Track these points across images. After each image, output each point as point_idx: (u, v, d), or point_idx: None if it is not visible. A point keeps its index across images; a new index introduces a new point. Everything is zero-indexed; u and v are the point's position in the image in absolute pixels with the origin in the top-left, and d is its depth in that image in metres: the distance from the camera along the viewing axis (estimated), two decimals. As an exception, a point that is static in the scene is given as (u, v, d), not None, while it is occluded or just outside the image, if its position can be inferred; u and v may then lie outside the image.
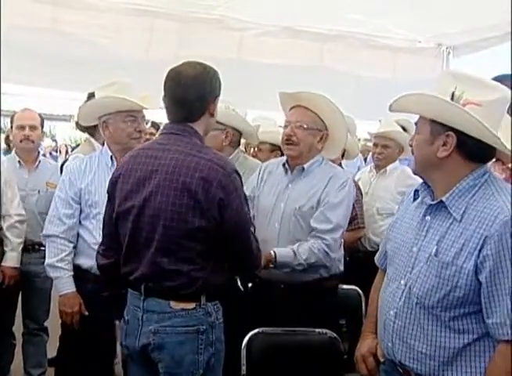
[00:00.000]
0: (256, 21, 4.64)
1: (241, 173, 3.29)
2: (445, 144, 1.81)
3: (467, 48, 5.18)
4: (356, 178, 4.12)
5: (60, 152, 15.05)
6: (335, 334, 2.70)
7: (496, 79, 2.06)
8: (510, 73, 2.26)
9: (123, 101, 2.84)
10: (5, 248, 3.49)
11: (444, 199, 1.84)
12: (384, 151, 4.12)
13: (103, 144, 3.09)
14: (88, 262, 2.86)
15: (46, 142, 13.50)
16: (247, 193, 3.00)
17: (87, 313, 2.88)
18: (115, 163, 2.92)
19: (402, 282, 1.91)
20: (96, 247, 2.79)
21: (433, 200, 1.90)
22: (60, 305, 2.90)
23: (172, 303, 2.18)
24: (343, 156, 3.93)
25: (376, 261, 2.24)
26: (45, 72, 4.30)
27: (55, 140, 17.33)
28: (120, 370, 3.28)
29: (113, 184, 2.34)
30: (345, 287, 3.19)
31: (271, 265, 2.70)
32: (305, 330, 2.72)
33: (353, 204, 3.04)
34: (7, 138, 4.29)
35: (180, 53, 4.25)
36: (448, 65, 5.21)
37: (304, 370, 2.62)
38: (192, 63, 2.28)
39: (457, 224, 1.80)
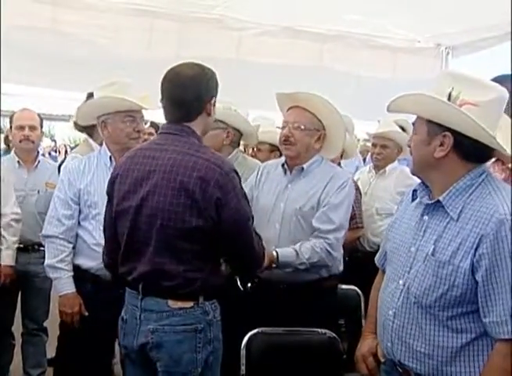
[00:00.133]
0: (255, 21, 4.65)
1: (240, 173, 3.29)
2: (441, 144, 1.82)
3: (466, 48, 5.19)
4: (355, 179, 4.12)
5: (59, 152, 15.05)
6: (334, 334, 2.70)
7: (496, 79, 2.06)
8: (509, 73, 2.26)
9: (122, 101, 2.84)
10: (1, 247, 3.49)
11: (441, 198, 1.85)
12: (382, 151, 4.12)
13: (101, 144, 3.09)
14: (88, 262, 2.87)
15: (45, 143, 13.49)
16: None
17: (87, 314, 2.88)
18: (114, 163, 2.91)
19: (401, 282, 1.92)
20: (96, 247, 2.82)
21: (431, 200, 1.90)
22: (60, 305, 2.90)
23: (170, 302, 2.19)
24: (341, 156, 3.94)
25: (376, 261, 2.24)
26: (45, 72, 4.31)
27: (54, 140, 17.34)
28: (119, 370, 3.28)
29: (111, 184, 2.35)
30: (344, 287, 3.19)
31: (273, 265, 2.70)
32: (304, 330, 2.72)
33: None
34: (6, 138, 4.29)
35: (180, 53, 4.26)
36: (448, 65, 5.21)
37: (304, 370, 2.63)
38: (189, 64, 2.28)
39: (454, 223, 1.81)
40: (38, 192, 3.77)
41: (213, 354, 2.24)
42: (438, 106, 1.79)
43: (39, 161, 3.88)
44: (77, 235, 2.92)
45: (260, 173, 3.05)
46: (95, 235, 2.86)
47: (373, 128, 4.33)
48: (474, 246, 1.73)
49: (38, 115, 3.93)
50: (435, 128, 1.82)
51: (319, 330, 2.70)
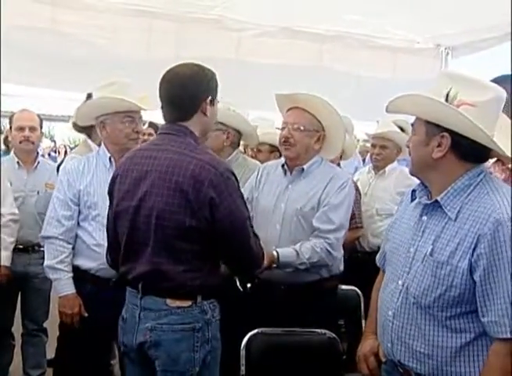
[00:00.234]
0: (254, 21, 4.65)
1: (241, 174, 3.34)
2: (439, 145, 1.82)
3: (466, 48, 5.19)
4: (354, 179, 4.13)
5: (59, 153, 15.05)
6: (334, 335, 2.70)
7: (496, 80, 2.07)
8: (509, 73, 2.26)
9: (121, 101, 2.84)
10: (-2, 248, 3.49)
11: (439, 199, 1.85)
12: (382, 152, 4.13)
13: (100, 145, 3.08)
14: (87, 263, 2.87)
15: (45, 143, 13.50)
16: (245, 195, 3.01)
17: (86, 314, 2.88)
18: (114, 164, 2.92)
19: (400, 282, 1.92)
20: (96, 248, 2.84)
21: (429, 200, 1.90)
22: (60, 306, 2.89)
23: (168, 301, 2.20)
24: (340, 156, 3.94)
25: (377, 261, 2.24)
26: (44, 72, 4.30)
27: (54, 141, 17.35)
28: (119, 371, 3.28)
29: (112, 185, 2.38)
30: (344, 287, 3.20)
31: (274, 265, 2.70)
32: (304, 331, 2.72)
33: (351, 204, 3.04)
34: (6, 139, 4.29)
35: (178, 54, 4.26)
36: (447, 65, 5.21)
37: (303, 370, 2.63)
38: (188, 64, 2.29)
39: (452, 223, 1.81)
40: (38, 193, 3.77)
41: (211, 353, 2.24)
42: (435, 107, 1.80)
43: (39, 162, 3.88)
44: (76, 236, 2.91)
45: (260, 174, 3.05)
46: (95, 236, 2.86)
47: (373, 129, 4.34)
48: (472, 246, 1.74)
49: (38, 116, 3.93)
50: (433, 128, 1.83)
51: (319, 330, 2.70)
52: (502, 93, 1.81)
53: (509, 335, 1.68)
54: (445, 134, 1.80)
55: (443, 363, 1.81)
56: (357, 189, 3.83)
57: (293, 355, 2.65)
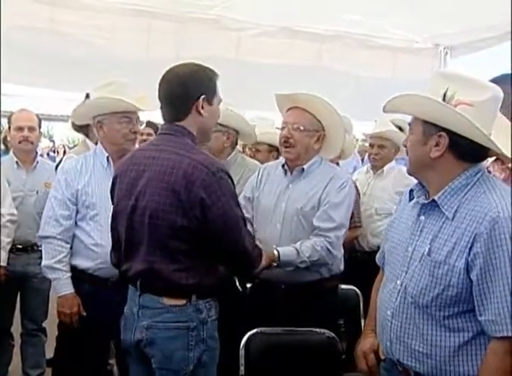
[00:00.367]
0: (253, 21, 4.64)
1: (240, 173, 3.35)
2: (437, 144, 1.82)
3: (465, 48, 5.19)
4: (353, 179, 4.13)
5: (58, 152, 15.04)
6: (333, 334, 2.70)
7: (496, 79, 2.07)
8: (509, 73, 2.25)
9: (119, 102, 2.83)
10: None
11: (436, 198, 1.85)
12: (380, 152, 4.13)
13: (96, 144, 3.09)
14: (85, 262, 2.87)
15: (44, 143, 13.49)
16: (246, 194, 3.01)
17: (85, 314, 2.88)
18: (111, 163, 2.92)
19: (398, 282, 1.93)
20: (94, 248, 2.84)
21: (427, 200, 1.91)
22: (59, 306, 2.89)
23: (164, 299, 2.21)
24: (339, 156, 3.94)
25: (377, 260, 2.25)
26: (43, 72, 4.30)
27: (53, 141, 17.33)
28: (117, 370, 3.27)
29: (112, 185, 2.40)
30: (343, 287, 3.20)
31: (274, 264, 2.70)
32: (303, 330, 2.72)
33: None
34: (5, 138, 4.29)
35: (178, 54, 4.26)
36: (446, 65, 5.21)
37: (303, 369, 2.63)
38: (188, 64, 2.30)
39: (449, 223, 1.82)
40: (37, 192, 3.77)
41: (207, 353, 2.24)
42: (433, 107, 1.80)
43: (38, 162, 3.88)
44: (73, 235, 2.91)
45: (260, 174, 3.05)
46: (93, 235, 2.86)
47: (370, 129, 4.34)
48: (469, 245, 1.74)
49: (37, 116, 3.93)
50: (431, 128, 1.83)
51: (318, 330, 2.71)
52: (499, 92, 1.81)
53: (506, 334, 1.69)
54: (443, 133, 1.81)
55: (441, 362, 1.81)
56: (356, 188, 3.84)
57: (293, 354, 2.65)
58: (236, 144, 3.57)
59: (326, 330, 2.70)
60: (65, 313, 2.87)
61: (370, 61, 5.04)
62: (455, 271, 1.76)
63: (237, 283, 2.94)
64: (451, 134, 1.80)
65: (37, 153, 3.98)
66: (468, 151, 1.83)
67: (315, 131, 2.87)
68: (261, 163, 3.68)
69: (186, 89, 2.22)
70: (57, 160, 9.73)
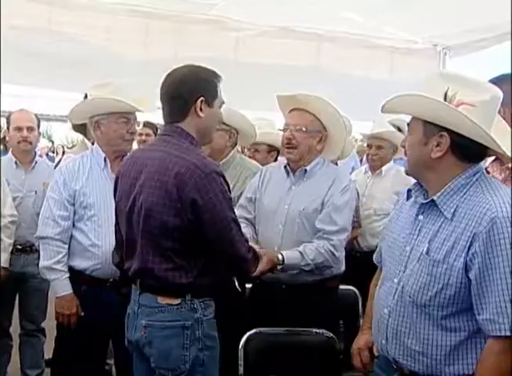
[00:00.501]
0: (252, 21, 4.65)
1: (239, 173, 3.35)
2: (438, 145, 1.83)
3: (464, 48, 5.20)
4: (352, 179, 4.13)
5: (57, 153, 15.03)
6: (332, 334, 2.70)
7: (496, 79, 2.08)
8: (508, 72, 2.26)
9: (117, 102, 2.83)
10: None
11: (435, 198, 1.86)
12: (378, 152, 4.14)
13: (93, 143, 3.08)
14: (83, 263, 2.87)
15: (42, 143, 13.48)
16: (248, 195, 3.02)
17: (83, 314, 2.88)
18: (108, 164, 2.93)
19: (396, 280, 1.93)
20: (92, 248, 2.84)
21: (425, 200, 1.91)
22: (57, 306, 2.89)
23: (159, 298, 2.23)
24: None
25: (374, 260, 2.25)
26: (41, 72, 4.30)
27: (52, 141, 17.32)
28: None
29: (115, 185, 2.43)
30: (342, 287, 3.19)
31: (278, 267, 2.70)
32: (302, 330, 2.73)
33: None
34: (3, 138, 4.28)
35: (176, 54, 4.26)
36: (445, 65, 5.22)
37: (302, 369, 2.63)
38: (189, 65, 2.30)
39: (448, 223, 1.82)
40: (36, 192, 3.76)
41: (203, 351, 2.24)
42: (435, 107, 1.80)
43: (36, 162, 3.87)
44: (71, 236, 2.91)
45: (263, 175, 3.06)
46: (90, 236, 2.86)
47: (368, 129, 4.34)
48: (468, 244, 1.75)
49: (35, 116, 3.92)
50: (432, 128, 1.83)
51: (317, 330, 2.71)
52: (499, 93, 1.82)
53: (504, 333, 1.69)
54: (445, 134, 1.81)
55: (436, 361, 1.82)
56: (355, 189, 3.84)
57: (292, 354, 2.65)
58: (236, 144, 3.58)
59: (324, 330, 2.71)
60: (63, 314, 2.87)
61: (369, 61, 5.05)
62: (453, 270, 1.77)
63: (236, 284, 2.94)
64: (452, 134, 1.80)
65: (35, 153, 3.97)
66: (469, 151, 1.83)
67: (317, 132, 2.86)
68: (260, 163, 3.68)
69: (184, 91, 2.22)
70: (56, 160, 9.72)
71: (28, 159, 3.84)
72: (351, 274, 3.20)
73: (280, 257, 2.69)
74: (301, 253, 2.73)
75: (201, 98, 2.22)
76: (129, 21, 4.37)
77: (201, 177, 2.13)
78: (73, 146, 8.15)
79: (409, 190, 2.00)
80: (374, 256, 2.26)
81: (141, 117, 3.68)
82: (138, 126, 3.84)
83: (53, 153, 15.40)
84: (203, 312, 2.24)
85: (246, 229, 2.88)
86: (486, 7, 3.82)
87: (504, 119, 1.95)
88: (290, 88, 2.89)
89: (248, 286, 2.95)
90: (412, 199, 1.99)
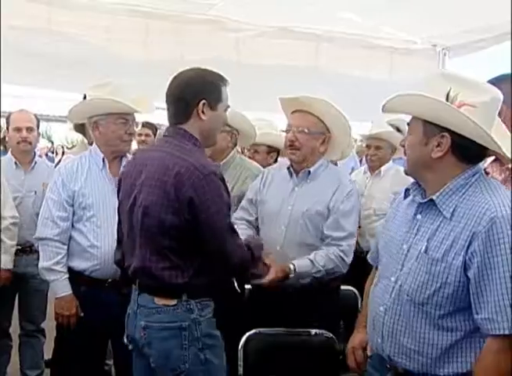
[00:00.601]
0: (251, 22, 4.64)
1: (238, 173, 3.36)
2: (439, 145, 1.83)
3: (463, 49, 5.19)
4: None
5: (57, 153, 15.03)
6: (331, 335, 2.71)
7: (496, 79, 2.09)
8: (508, 72, 2.26)
9: (115, 103, 2.83)
10: (-1, 251, 3.49)
11: (434, 197, 1.87)
12: (377, 152, 4.15)
13: (91, 144, 3.08)
14: (82, 264, 2.87)
15: (42, 144, 13.47)
16: (249, 197, 3.02)
17: (82, 314, 2.88)
18: (107, 164, 2.93)
19: (392, 279, 1.94)
20: (91, 249, 2.85)
21: (424, 199, 1.92)
22: (57, 307, 2.90)
23: (156, 299, 2.25)
24: (337, 156, 3.94)
25: (368, 258, 2.27)
26: (41, 73, 4.29)
27: (51, 141, 17.32)
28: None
29: (118, 185, 2.46)
30: (342, 287, 3.20)
31: (291, 276, 2.71)
32: (302, 331, 2.73)
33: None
34: (3, 139, 4.28)
35: (176, 54, 4.26)
36: (444, 66, 5.21)
37: (301, 370, 2.63)
38: (194, 69, 2.32)
39: (447, 222, 1.83)
40: (35, 193, 3.77)
41: (204, 351, 2.25)
42: (437, 108, 1.80)
43: (36, 162, 3.88)
44: (69, 237, 2.91)
45: (265, 177, 3.07)
46: (89, 237, 2.86)
47: (366, 130, 4.34)
48: (467, 244, 1.76)
49: (35, 116, 3.93)
50: (433, 128, 1.84)
51: (317, 330, 2.71)
52: (500, 95, 1.83)
53: (502, 332, 1.70)
54: (446, 134, 1.82)
55: (432, 359, 1.84)
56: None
57: (291, 355, 2.65)
58: (236, 144, 3.58)
59: (324, 331, 2.71)
60: (63, 315, 2.87)
61: (367, 61, 5.04)
62: (452, 268, 1.78)
63: (235, 285, 2.94)
64: (453, 135, 1.81)
65: (35, 153, 3.97)
66: (469, 152, 1.84)
67: (320, 134, 2.86)
68: (260, 164, 3.69)
69: (187, 93, 2.24)
70: (56, 160, 9.72)
71: (28, 159, 3.85)
72: (350, 274, 3.19)
73: (292, 266, 2.71)
74: (311, 261, 2.74)
75: (203, 101, 2.23)
76: (129, 21, 4.36)
77: (199, 178, 2.14)
78: (73, 146, 8.15)
79: (406, 189, 2.01)
80: (369, 255, 2.27)
81: (140, 118, 3.68)
82: (137, 127, 3.83)
83: (53, 153, 15.40)
84: (199, 312, 2.25)
85: (247, 231, 2.89)
86: (485, 7, 3.82)
87: (504, 118, 1.96)
88: (289, 88, 2.89)
89: (248, 287, 2.95)
90: (409, 198, 2.00)
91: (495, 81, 2.04)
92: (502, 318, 1.70)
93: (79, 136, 4.16)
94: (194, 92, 2.24)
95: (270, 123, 4.21)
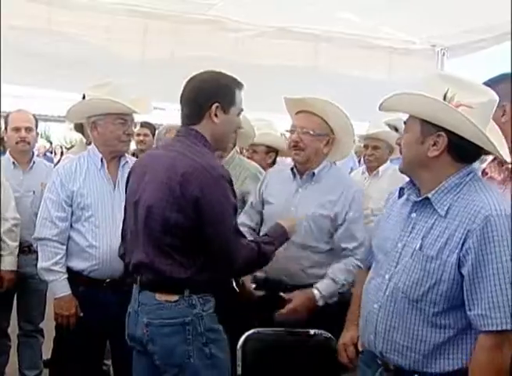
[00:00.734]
0: (250, 22, 4.64)
1: (238, 173, 3.36)
2: (435, 144, 1.85)
3: (462, 49, 5.19)
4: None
5: (55, 153, 15.03)
6: (330, 334, 2.70)
7: (496, 79, 2.10)
8: (508, 72, 2.26)
9: (114, 103, 2.83)
10: (3, 252, 3.49)
11: (429, 196, 1.88)
12: (374, 152, 4.15)
13: (89, 144, 3.08)
14: (81, 264, 2.88)
15: (40, 144, 13.46)
16: (251, 201, 3.02)
17: (82, 314, 2.88)
18: (105, 165, 2.93)
19: (387, 277, 1.95)
20: (89, 249, 2.86)
21: (418, 198, 1.93)
22: (56, 307, 2.90)
23: (157, 295, 2.26)
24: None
25: (360, 257, 2.27)
26: (40, 73, 4.29)
27: (50, 141, 17.31)
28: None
29: (126, 182, 2.48)
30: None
31: (319, 304, 2.73)
32: (300, 331, 2.73)
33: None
34: (2, 139, 4.28)
35: (175, 54, 4.26)
36: (443, 66, 5.22)
37: (300, 369, 2.63)
38: (210, 71, 2.34)
39: (442, 220, 1.85)
40: (34, 193, 3.77)
41: (208, 345, 2.26)
42: (435, 107, 1.82)
43: (34, 162, 3.88)
44: (68, 237, 2.91)
45: (266, 180, 3.07)
46: (87, 237, 2.86)
47: (364, 130, 4.34)
48: (461, 241, 1.78)
49: (33, 116, 3.93)
50: (430, 127, 1.85)
51: (315, 330, 2.71)
52: (496, 96, 1.85)
53: (495, 328, 1.72)
54: (442, 133, 1.83)
55: (424, 356, 1.85)
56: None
57: (290, 354, 2.65)
58: (235, 144, 3.58)
59: (323, 331, 2.71)
60: (63, 315, 2.87)
61: (366, 62, 5.04)
62: (446, 266, 1.80)
63: (234, 284, 2.95)
64: (449, 134, 1.82)
65: (33, 153, 3.98)
66: (465, 152, 1.86)
67: (324, 135, 2.85)
68: (258, 164, 3.69)
69: (201, 96, 2.27)
70: (55, 160, 9.72)
71: (26, 159, 3.85)
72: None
73: (315, 291, 2.72)
74: (332, 279, 2.76)
75: (216, 104, 2.25)
76: (128, 21, 4.36)
77: (207, 178, 2.16)
78: (72, 146, 8.14)
79: (401, 189, 2.03)
80: (362, 255, 2.27)
81: (138, 118, 3.68)
82: (136, 127, 3.83)
83: (51, 153, 15.39)
84: (202, 307, 2.26)
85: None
86: (484, 8, 3.82)
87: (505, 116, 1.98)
88: (288, 88, 2.89)
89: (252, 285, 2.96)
90: (404, 197, 2.01)
91: (493, 82, 2.04)
92: (495, 314, 1.73)
93: (78, 136, 4.16)
94: (207, 95, 2.26)
95: (269, 123, 4.20)
